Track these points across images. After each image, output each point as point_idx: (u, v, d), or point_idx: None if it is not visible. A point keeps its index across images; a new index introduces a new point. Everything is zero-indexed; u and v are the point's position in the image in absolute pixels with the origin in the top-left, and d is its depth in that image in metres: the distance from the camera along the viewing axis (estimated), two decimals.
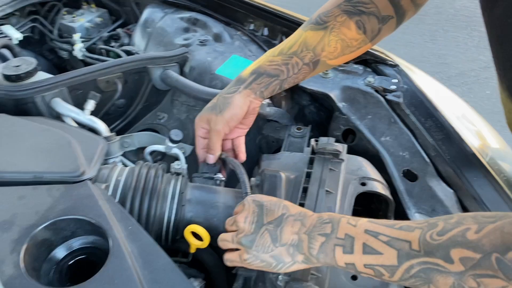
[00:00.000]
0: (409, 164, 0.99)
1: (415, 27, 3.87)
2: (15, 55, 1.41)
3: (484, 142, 1.06)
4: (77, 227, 0.76)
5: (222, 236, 0.74)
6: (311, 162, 0.92)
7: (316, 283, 0.72)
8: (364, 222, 0.62)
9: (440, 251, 0.53)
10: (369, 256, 0.59)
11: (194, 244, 0.81)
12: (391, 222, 0.61)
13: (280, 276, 0.73)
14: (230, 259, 0.73)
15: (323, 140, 0.94)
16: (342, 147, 0.92)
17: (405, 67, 1.16)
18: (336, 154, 0.91)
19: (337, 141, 0.94)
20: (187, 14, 1.46)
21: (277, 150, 1.06)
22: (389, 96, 1.08)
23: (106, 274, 0.67)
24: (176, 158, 1.00)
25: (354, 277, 0.76)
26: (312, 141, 0.95)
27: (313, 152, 0.93)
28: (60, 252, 0.77)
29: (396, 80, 1.10)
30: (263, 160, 0.98)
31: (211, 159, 0.92)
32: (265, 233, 0.68)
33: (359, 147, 1.07)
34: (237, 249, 0.71)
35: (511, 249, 0.48)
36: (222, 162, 0.96)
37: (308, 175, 0.89)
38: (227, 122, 0.90)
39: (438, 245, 0.53)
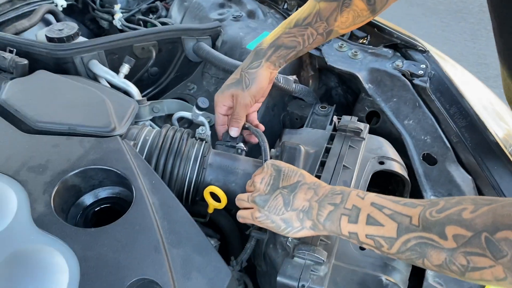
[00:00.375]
0: (429, 148, 1.00)
1: (456, 25, 3.77)
2: (58, 21, 1.48)
3: (509, 133, 1.05)
4: (104, 177, 0.81)
5: (240, 195, 0.78)
6: (331, 138, 0.94)
7: (324, 248, 0.75)
8: (372, 196, 0.66)
9: (436, 227, 0.56)
10: (372, 227, 0.63)
11: (212, 204, 0.85)
12: (398, 198, 0.64)
13: (290, 239, 0.76)
14: (242, 215, 0.77)
15: (345, 118, 0.96)
16: (363, 126, 0.94)
17: (435, 54, 1.15)
18: (357, 132, 0.93)
19: (360, 121, 0.96)
20: None
21: (301, 127, 1.09)
22: (416, 81, 1.09)
23: (128, 220, 0.72)
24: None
25: (362, 248, 0.79)
26: (335, 118, 0.97)
27: (335, 129, 0.96)
28: (87, 199, 0.83)
29: (424, 66, 1.11)
30: (284, 134, 1.01)
31: (236, 131, 0.95)
32: (279, 196, 0.72)
33: (382, 129, 1.09)
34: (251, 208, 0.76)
35: (500, 230, 0.51)
36: (243, 134, 0.99)
37: (327, 150, 0.91)
38: (254, 96, 0.94)
39: (435, 221, 0.57)
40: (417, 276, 0.81)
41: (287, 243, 0.76)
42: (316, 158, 0.91)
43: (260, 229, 0.85)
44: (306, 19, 0.92)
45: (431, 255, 0.57)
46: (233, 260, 0.85)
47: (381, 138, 0.98)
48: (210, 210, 0.87)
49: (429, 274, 0.80)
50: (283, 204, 0.71)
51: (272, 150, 0.95)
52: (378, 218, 0.63)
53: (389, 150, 0.95)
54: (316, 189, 0.71)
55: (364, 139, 0.92)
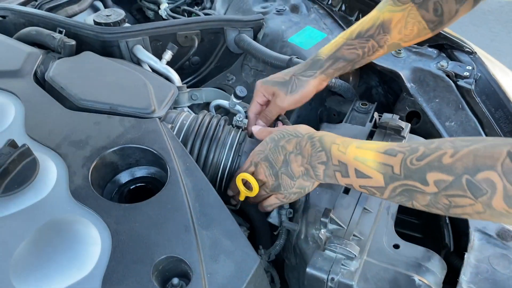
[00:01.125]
0: None
1: (506, 35, 3.65)
2: (106, 8, 1.53)
3: None
4: (141, 156, 0.83)
5: (256, 196, 0.84)
6: (371, 135, 0.93)
7: (357, 244, 0.74)
8: (353, 149, 0.68)
9: (418, 174, 0.59)
10: (362, 179, 0.67)
11: (243, 192, 0.85)
12: (378, 145, 0.66)
13: (322, 231, 0.75)
14: (269, 203, 0.84)
15: (386, 115, 0.94)
16: (405, 125, 0.92)
17: (483, 56, 1.11)
18: (398, 131, 0.91)
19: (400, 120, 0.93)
20: None
21: (338, 123, 1.07)
22: (460, 82, 1.05)
23: (161, 199, 0.73)
24: None
25: (396, 246, 0.77)
26: (376, 114, 0.95)
27: (375, 126, 0.94)
28: (124, 177, 0.85)
29: (470, 67, 1.07)
30: (322, 127, 1.00)
31: (259, 130, 0.92)
32: (283, 176, 0.79)
33: (422, 130, 1.05)
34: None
35: (481, 171, 0.52)
36: (276, 120, 0.99)
37: None
38: (295, 103, 0.94)
39: (416, 169, 0.59)
40: (449, 284, 0.78)
41: (319, 235, 0.75)
42: None
43: (291, 219, 0.85)
44: (369, 31, 0.89)
45: (417, 198, 0.61)
46: (261, 249, 0.84)
47: (422, 139, 0.96)
48: (241, 198, 0.87)
49: (463, 280, 0.77)
50: (289, 178, 0.78)
51: None
52: (364, 171, 0.66)
53: None
54: (300, 152, 0.75)
55: (404, 138, 0.90)
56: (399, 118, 0.95)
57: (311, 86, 0.93)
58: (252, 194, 0.84)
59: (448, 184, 0.56)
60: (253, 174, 0.83)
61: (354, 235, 0.75)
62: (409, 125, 0.92)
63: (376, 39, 0.88)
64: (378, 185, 0.65)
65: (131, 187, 0.84)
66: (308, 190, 0.80)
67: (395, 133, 0.90)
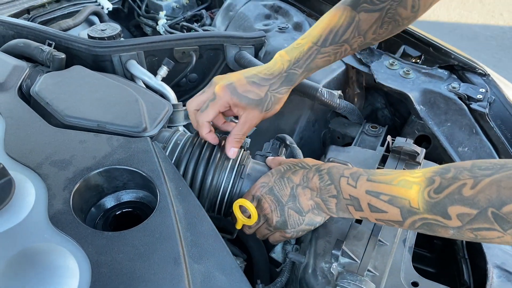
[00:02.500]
0: None
1: (508, 61, 3.64)
2: (102, 23, 1.48)
3: None
4: (129, 179, 0.76)
5: (258, 231, 0.80)
6: (383, 160, 0.86)
7: (372, 280, 0.67)
8: (364, 182, 0.65)
9: (438, 208, 0.56)
10: (377, 213, 0.63)
11: (241, 220, 0.77)
12: (389, 176, 0.63)
13: (333, 265, 0.68)
14: (275, 239, 0.79)
15: (400, 139, 0.87)
16: (420, 150, 0.85)
17: (497, 78, 1.06)
18: (413, 156, 0.84)
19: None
20: (270, 1, 1.45)
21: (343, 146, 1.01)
22: (474, 105, 0.99)
23: (149, 227, 0.66)
24: None
25: (415, 284, 0.70)
26: (389, 137, 0.89)
27: (388, 150, 0.87)
28: (109, 202, 0.78)
29: (483, 90, 1.01)
30: (331, 150, 0.94)
31: (235, 153, 0.82)
32: (290, 212, 0.74)
33: (433, 155, 0.99)
34: None
35: (507, 203, 0.50)
36: (285, 147, 0.92)
37: None
38: (266, 118, 0.85)
39: (436, 203, 0.56)
40: None
41: (330, 270, 0.68)
42: None
43: (297, 250, 0.78)
44: (344, 35, 0.80)
45: (439, 231, 0.58)
46: (259, 283, 0.77)
47: (436, 165, 0.89)
48: (239, 226, 0.79)
49: None
50: (297, 214, 0.73)
51: None
52: (378, 206, 0.63)
53: None
54: (307, 185, 0.72)
55: (420, 164, 0.83)
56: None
57: (283, 100, 0.85)
58: (251, 222, 0.77)
59: (473, 217, 0.53)
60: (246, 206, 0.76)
61: (368, 270, 0.68)
62: (424, 150, 0.85)
63: (350, 42, 0.82)
64: (395, 219, 0.61)
65: (117, 213, 0.77)
66: (318, 225, 0.75)
67: (409, 159, 0.83)
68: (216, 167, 0.81)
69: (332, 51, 0.82)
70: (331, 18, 0.82)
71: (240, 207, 0.77)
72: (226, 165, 0.82)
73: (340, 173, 0.69)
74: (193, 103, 0.83)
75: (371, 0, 0.79)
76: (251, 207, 0.75)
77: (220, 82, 0.82)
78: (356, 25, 0.80)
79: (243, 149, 0.87)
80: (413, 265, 0.87)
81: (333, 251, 0.68)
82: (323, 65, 0.84)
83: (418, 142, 1.05)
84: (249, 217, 0.76)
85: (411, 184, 0.59)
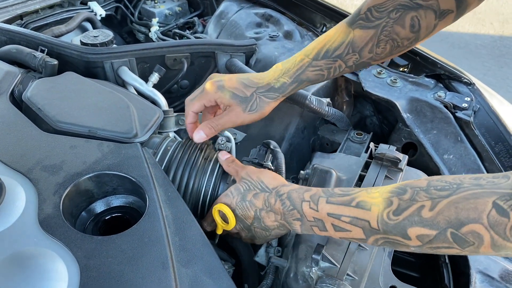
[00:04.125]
0: None
1: (498, 70, 3.68)
2: (95, 29, 1.49)
3: None
4: (119, 184, 0.77)
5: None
6: (366, 166, 0.88)
7: (351, 284, 0.68)
8: (324, 205, 0.66)
9: (398, 230, 0.57)
10: (341, 232, 0.65)
11: (220, 224, 0.79)
12: (347, 197, 0.64)
13: (313, 269, 0.69)
14: (245, 241, 0.83)
15: (383, 146, 0.89)
16: (402, 157, 0.87)
17: (481, 87, 1.08)
18: (395, 163, 0.85)
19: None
20: (262, 10, 1.47)
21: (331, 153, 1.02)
22: (459, 114, 1.01)
23: (137, 231, 0.67)
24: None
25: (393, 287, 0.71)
26: (372, 145, 0.90)
27: (371, 156, 0.89)
28: (99, 206, 0.78)
29: (468, 99, 1.03)
30: (316, 157, 0.95)
31: (202, 138, 0.86)
32: (256, 229, 0.77)
33: (419, 162, 1.01)
34: None
35: (465, 224, 0.51)
36: (271, 152, 0.94)
37: (361, 178, 0.85)
38: (250, 121, 0.86)
39: (395, 225, 0.57)
40: None
41: (310, 274, 0.69)
42: (348, 186, 0.85)
43: (281, 256, 0.79)
44: (337, 50, 0.80)
45: (401, 248, 0.59)
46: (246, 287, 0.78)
47: (420, 172, 0.91)
48: (219, 231, 0.80)
49: None
50: (264, 230, 0.77)
51: (302, 172, 0.89)
52: (342, 226, 0.64)
53: None
54: (271, 209, 0.73)
55: (402, 170, 0.85)
56: (395, 150, 0.91)
57: (270, 107, 0.86)
58: (229, 227, 0.78)
59: (432, 238, 0.54)
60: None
61: (348, 274, 0.69)
62: (407, 157, 0.87)
63: (344, 59, 0.81)
64: (359, 237, 0.63)
65: (107, 217, 0.78)
66: (284, 234, 0.79)
67: (392, 165, 0.85)
68: (197, 172, 0.83)
69: (325, 65, 0.82)
70: (327, 34, 0.83)
71: (219, 211, 0.78)
72: (207, 169, 0.84)
73: (300, 197, 0.69)
74: (189, 96, 0.88)
75: (366, 17, 0.78)
76: (228, 211, 0.76)
77: (212, 79, 0.87)
78: (351, 41, 0.79)
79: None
80: (397, 270, 0.88)
81: (313, 256, 0.69)
82: (315, 79, 0.84)
83: (405, 149, 1.07)
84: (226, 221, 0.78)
85: (369, 205, 0.61)
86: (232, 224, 0.76)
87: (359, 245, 0.73)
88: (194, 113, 0.88)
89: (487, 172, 0.93)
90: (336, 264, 0.70)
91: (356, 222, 0.62)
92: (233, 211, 0.77)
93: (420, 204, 0.55)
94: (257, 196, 0.75)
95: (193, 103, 0.87)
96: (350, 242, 0.73)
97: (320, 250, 0.69)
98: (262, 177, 0.77)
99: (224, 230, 0.80)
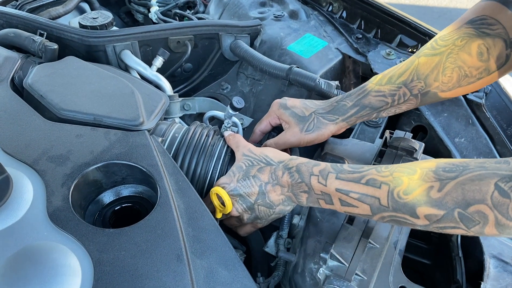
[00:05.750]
0: None
1: None
2: (93, 10, 1.44)
3: None
4: (128, 173, 0.75)
5: (227, 222, 0.82)
6: (380, 155, 0.85)
7: (359, 284, 0.67)
8: (333, 181, 0.67)
9: (407, 208, 0.59)
10: (347, 207, 0.66)
11: (218, 207, 0.77)
12: (357, 175, 0.65)
13: (321, 269, 0.68)
14: (246, 231, 0.82)
15: (398, 133, 0.86)
16: (418, 145, 0.84)
17: None
18: (410, 152, 0.83)
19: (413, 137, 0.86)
20: None
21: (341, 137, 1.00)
22: (470, 96, 0.99)
23: (150, 223, 0.65)
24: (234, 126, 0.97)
25: None
26: (387, 132, 0.88)
27: (385, 144, 0.86)
28: (108, 197, 0.77)
29: None
30: (327, 143, 0.93)
31: (229, 134, 0.87)
32: (260, 207, 0.76)
33: (429, 146, 0.99)
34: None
35: (472, 204, 0.54)
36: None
37: None
38: (307, 143, 0.87)
39: (405, 203, 0.59)
40: None
41: (318, 274, 0.68)
42: None
43: (288, 249, 0.78)
44: (401, 76, 0.79)
45: (406, 226, 0.62)
46: (259, 276, 0.77)
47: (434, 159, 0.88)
48: (218, 215, 0.78)
49: None
50: (268, 208, 0.76)
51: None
52: (349, 201, 0.65)
53: None
54: (277, 182, 0.74)
55: (417, 160, 0.83)
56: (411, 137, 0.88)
57: (329, 130, 0.86)
58: (226, 211, 0.77)
59: (440, 217, 0.56)
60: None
61: (356, 274, 0.68)
62: (423, 145, 0.84)
63: (409, 86, 0.78)
64: (365, 213, 0.65)
65: (116, 208, 0.76)
66: (288, 211, 0.79)
67: (407, 154, 0.82)
68: (205, 158, 0.82)
69: (388, 92, 0.80)
70: (399, 64, 0.82)
71: (216, 195, 0.77)
72: (213, 155, 0.83)
73: (309, 171, 0.70)
74: None
75: (432, 46, 0.77)
76: (224, 195, 0.75)
77: (278, 100, 0.92)
78: (415, 68, 0.78)
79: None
80: (408, 257, 0.88)
81: (321, 254, 0.68)
82: (378, 106, 0.82)
83: (414, 132, 1.05)
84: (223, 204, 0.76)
85: (379, 183, 0.62)
86: (228, 206, 0.75)
87: (369, 242, 0.72)
88: (261, 132, 0.94)
89: (500, 156, 0.92)
90: (345, 263, 0.68)
91: (365, 199, 0.63)
92: (234, 190, 0.75)
93: (429, 184, 0.57)
94: (262, 170, 0.75)
95: (261, 121, 0.93)
96: (359, 240, 0.71)
97: (328, 249, 0.68)
98: (265, 152, 0.77)
99: (226, 219, 0.79)
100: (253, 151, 0.78)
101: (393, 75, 0.80)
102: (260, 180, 0.74)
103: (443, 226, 0.57)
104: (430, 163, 0.60)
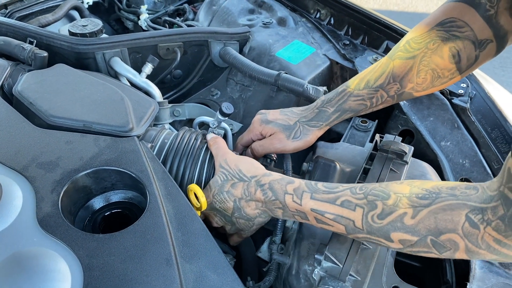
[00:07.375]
0: (468, 173, 0.92)
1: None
2: (83, 18, 1.45)
3: None
4: (117, 179, 0.76)
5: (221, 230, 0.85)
6: (371, 158, 0.86)
7: (353, 285, 0.68)
8: (308, 201, 0.68)
9: (381, 233, 0.61)
10: (323, 225, 0.68)
11: (194, 204, 0.76)
12: (332, 195, 0.66)
13: (316, 270, 0.69)
14: (234, 241, 0.85)
15: (388, 137, 0.88)
16: (408, 149, 0.86)
17: (477, 73, 1.08)
18: (400, 155, 0.84)
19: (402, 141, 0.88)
20: None
21: (331, 140, 1.01)
22: (455, 100, 1.01)
23: (139, 228, 0.66)
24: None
25: None
26: (377, 136, 0.89)
27: (375, 148, 0.88)
28: (97, 202, 0.77)
29: (464, 85, 1.03)
30: (319, 147, 0.93)
31: (211, 138, 0.88)
32: (239, 220, 0.78)
33: (416, 150, 1.00)
34: None
35: (444, 233, 0.56)
36: None
37: (366, 172, 0.83)
38: (295, 149, 0.89)
39: (379, 228, 0.61)
40: None
41: (313, 275, 0.69)
42: (352, 178, 0.84)
43: (282, 249, 0.79)
44: (378, 80, 0.82)
45: (382, 246, 0.65)
46: (249, 280, 0.77)
47: (425, 164, 0.89)
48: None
49: None
50: (246, 221, 0.78)
51: (304, 164, 0.89)
52: (324, 220, 0.67)
53: (434, 179, 0.87)
54: (251, 198, 0.75)
55: (407, 163, 0.84)
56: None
57: (314, 136, 0.89)
58: (201, 208, 0.76)
59: (414, 243, 0.59)
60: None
61: (350, 275, 0.69)
62: (412, 148, 0.86)
63: (386, 88, 0.82)
64: (340, 232, 0.67)
65: (106, 214, 0.77)
66: (268, 220, 0.80)
67: (397, 158, 0.84)
68: (192, 162, 0.83)
69: (367, 95, 0.84)
70: (370, 67, 0.86)
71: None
72: (198, 158, 0.83)
73: (283, 189, 0.71)
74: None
75: (405, 49, 0.80)
76: (199, 192, 0.76)
77: (258, 115, 0.93)
78: (391, 72, 0.81)
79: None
80: (398, 259, 0.89)
81: (315, 256, 0.69)
82: (358, 109, 0.86)
83: (401, 136, 1.06)
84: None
85: (354, 205, 0.63)
86: (203, 203, 0.75)
87: (362, 243, 0.73)
88: (242, 146, 0.95)
89: (484, 158, 0.94)
90: (339, 264, 0.69)
91: (340, 220, 0.65)
92: (211, 205, 0.77)
93: (403, 211, 0.59)
94: (235, 186, 0.76)
95: (242, 136, 0.94)
96: (353, 241, 0.72)
97: (322, 251, 0.69)
98: (240, 165, 0.78)
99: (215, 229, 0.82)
100: (229, 163, 0.78)
101: (369, 79, 0.83)
102: (233, 196, 0.76)
103: (417, 250, 0.59)
104: (404, 188, 0.61)
